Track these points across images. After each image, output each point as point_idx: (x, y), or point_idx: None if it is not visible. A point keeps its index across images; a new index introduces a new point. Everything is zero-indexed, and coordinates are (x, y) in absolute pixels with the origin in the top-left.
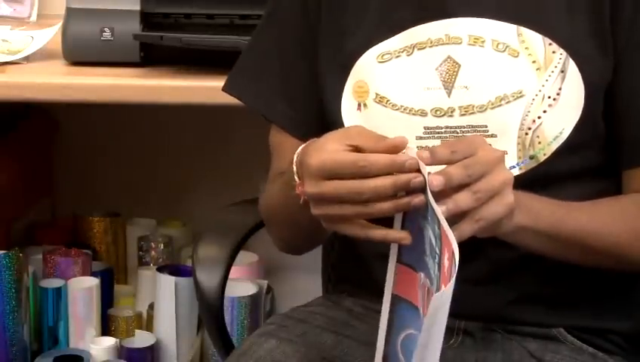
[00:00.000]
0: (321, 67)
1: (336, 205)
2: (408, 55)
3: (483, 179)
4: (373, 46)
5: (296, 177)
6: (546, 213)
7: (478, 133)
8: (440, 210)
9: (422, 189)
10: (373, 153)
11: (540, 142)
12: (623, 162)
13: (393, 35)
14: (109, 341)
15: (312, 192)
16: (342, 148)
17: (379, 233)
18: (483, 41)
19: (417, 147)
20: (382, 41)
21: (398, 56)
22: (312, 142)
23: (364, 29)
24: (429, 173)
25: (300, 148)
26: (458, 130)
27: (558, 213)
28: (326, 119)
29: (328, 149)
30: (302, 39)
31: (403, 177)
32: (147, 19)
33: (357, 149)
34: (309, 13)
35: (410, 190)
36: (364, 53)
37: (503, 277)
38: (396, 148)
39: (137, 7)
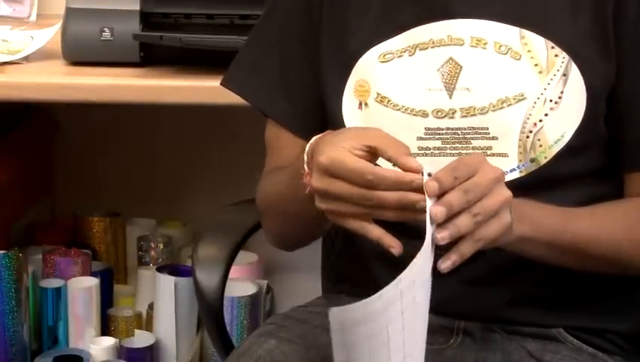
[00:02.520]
0: (322, 65)
1: (340, 202)
2: (410, 55)
3: (482, 202)
4: (374, 45)
5: (305, 166)
6: (547, 223)
7: (479, 136)
8: (439, 235)
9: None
10: (386, 157)
11: (541, 145)
12: (625, 165)
13: (395, 35)
14: (109, 341)
15: (317, 187)
16: (357, 146)
17: (376, 232)
18: (485, 43)
19: (428, 173)
20: (384, 40)
21: (400, 56)
22: (329, 135)
23: (366, 29)
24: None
25: (314, 138)
26: (459, 132)
27: (560, 223)
28: (326, 117)
29: (342, 147)
30: (304, 36)
31: (410, 197)
32: (147, 19)
33: (372, 151)
34: (311, 10)
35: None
36: (365, 52)
37: (502, 278)
38: (411, 170)
39: (137, 7)
